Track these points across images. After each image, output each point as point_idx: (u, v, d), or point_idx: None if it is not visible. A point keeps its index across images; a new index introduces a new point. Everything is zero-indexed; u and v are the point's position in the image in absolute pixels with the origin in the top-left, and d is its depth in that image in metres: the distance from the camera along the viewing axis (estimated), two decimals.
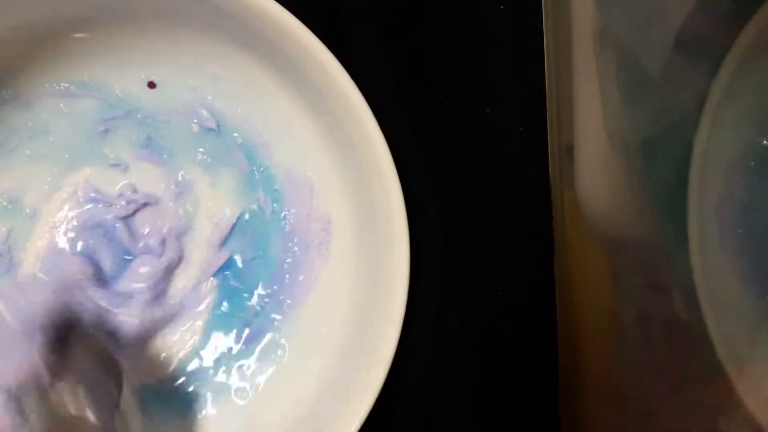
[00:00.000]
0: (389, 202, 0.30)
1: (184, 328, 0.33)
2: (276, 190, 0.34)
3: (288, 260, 0.34)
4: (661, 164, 0.30)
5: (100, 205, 0.33)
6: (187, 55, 0.32)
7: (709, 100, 0.26)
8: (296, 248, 0.34)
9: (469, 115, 0.34)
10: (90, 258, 0.32)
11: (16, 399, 0.23)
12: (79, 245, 0.33)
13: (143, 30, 0.31)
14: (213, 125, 0.33)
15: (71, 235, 0.33)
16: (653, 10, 0.29)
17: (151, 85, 0.33)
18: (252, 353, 0.33)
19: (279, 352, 0.33)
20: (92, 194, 0.33)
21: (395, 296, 0.30)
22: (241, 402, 0.33)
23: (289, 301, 0.34)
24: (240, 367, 0.33)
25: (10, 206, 0.32)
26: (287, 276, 0.34)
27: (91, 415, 0.25)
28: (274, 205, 0.34)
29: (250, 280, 0.34)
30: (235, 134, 0.34)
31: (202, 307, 0.34)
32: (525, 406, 0.35)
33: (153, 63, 0.33)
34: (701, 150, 0.27)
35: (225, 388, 0.33)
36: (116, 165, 0.33)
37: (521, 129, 0.34)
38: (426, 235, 0.33)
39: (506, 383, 0.35)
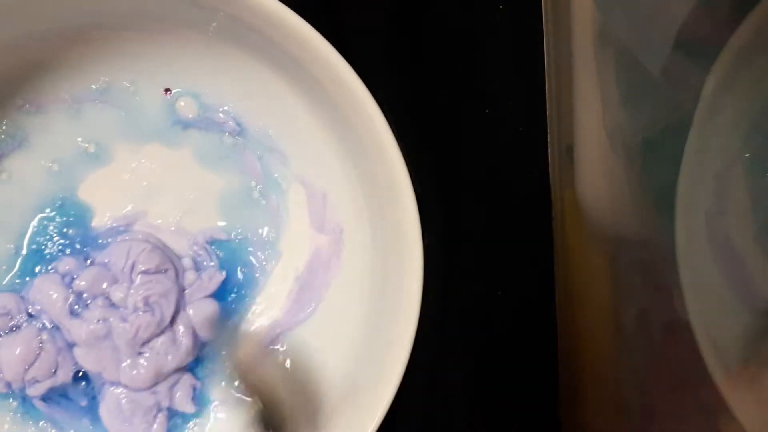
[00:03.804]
0: (404, 213, 0.29)
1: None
2: (290, 199, 0.34)
3: (299, 268, 0.34)
4: (661, 164, 0.30)
5: None
6: (205, 65, 0.32)
7: (701, 102, 0.26)
8: (308, 258, 0.34)
9: (469, 115, 0.34)
10: None
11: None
12: None
13: (161, 39, 0.31)
14: (234, 126, 0.33)
15: None
16: (653, 10, 0.29)
17: (167, 91, 0.33)
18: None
19: (287, 362, 0.33)
20: None
21: (409, 309, 0.29)
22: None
23: (300, 311, 0.34)
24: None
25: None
26: (298, 285, 0.34)
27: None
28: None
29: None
30: (252, 142, 0.34)
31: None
32: (525, 406, 0.35)
33: (170, 71, 0.33)
34: (692, 151, 0.27)
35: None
36: None
37: (521, 129, 0.34)
38: (426, 234, 0.33)
39: (506, 383, 0.35)
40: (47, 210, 0.33)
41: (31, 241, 0.33)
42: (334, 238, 0.33)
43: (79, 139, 0.33)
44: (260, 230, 0.34)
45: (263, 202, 0.34)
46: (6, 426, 0.32)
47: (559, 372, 0.35)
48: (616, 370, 0.33)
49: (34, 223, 0.33)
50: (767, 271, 0.25)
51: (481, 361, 0.35)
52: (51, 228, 0.33)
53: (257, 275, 0.34)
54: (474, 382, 0.35)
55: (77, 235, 0.33)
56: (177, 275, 0.32)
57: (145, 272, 0.31)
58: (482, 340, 0.34)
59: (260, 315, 0.34)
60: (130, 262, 0.31)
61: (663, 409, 0.31)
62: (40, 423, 0.32)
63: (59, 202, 0.33)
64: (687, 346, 0.29)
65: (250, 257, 0.34)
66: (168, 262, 0.32)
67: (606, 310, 0.33)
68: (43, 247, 0.33)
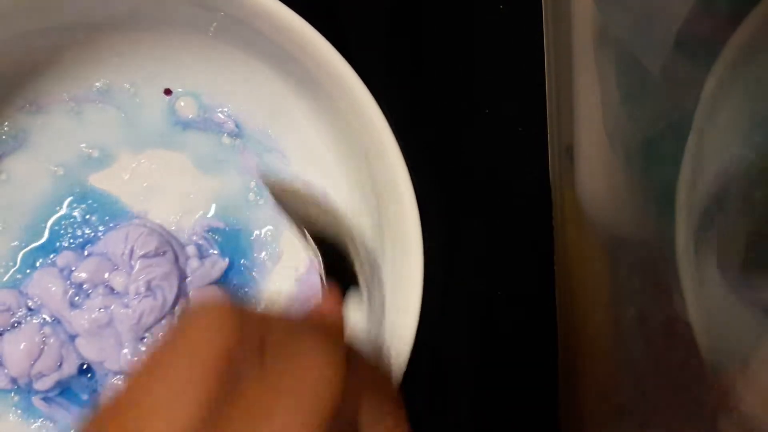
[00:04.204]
0: (404, 212, 0.29)
1: None
2: None
3: (299, 269, 0.34)
4: (661, 164, 0.30)
5: None
6: (205, 65, 0.32)
7: (701, 102, 0.26)
8: (308, 258, 0.34)
9: (469, 115, 0.34)
10: None
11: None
12: None
13: (162, 39, 0.32)
14: (233, 127, 0.33)
15: None
16: (653, 10, 0.29)
17: (167, 92, 0.33)
18: None
19: None
20: None
21: (408, 309, 0.29)
22: None
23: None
24: None
25: None
26: (298, 285, 0.34)
27: None
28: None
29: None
30: (252, 143, 0.34)
31: None
32: (525, 406, 0.35)
33: (170, 71, 0.33)
34: (692, 151, 0.27)
35: None
36: None
37: (521, 129, 0.34)
38: (426, 235, 0.33)
39: (506, 383, 0.35)
40: (68, 200, 0.33)
41: (51, 232, 0.33)
42: None
43: (83, 145, 0.33)
44: (260, 230, 0.34)
45: (263, 202, 0.34)
46: (10, 417, 0.32)
47: (559, 372, 0.35)
48: (616, 370, 0.33)
49: (56, 216, 0.33)
50: (767, 272, 0.25)
51: (481, 361, 0.35)
52: (73, 217, 0.33)
53: (257, 274, 0.34)
54: (474, 382, 0.35)
55: (99, 222, 0.33)
56: (176, 258, 0.32)
57: (144, 256, 0.31)
58: (482, 340, 0.34)
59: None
60: (129, 247, 0.31)
61: (663, 409, 0.31)
62: (40, 420, 0.32)
63: (77, 195, 0.33)
64: (687, 346, 0.29)
65: (251, 255, 0.34)
66: (166, 244, 0.32)
67: (606, 310, 0.33)
68: (59, 239, 0.33)
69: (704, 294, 0.27)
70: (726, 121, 0.26)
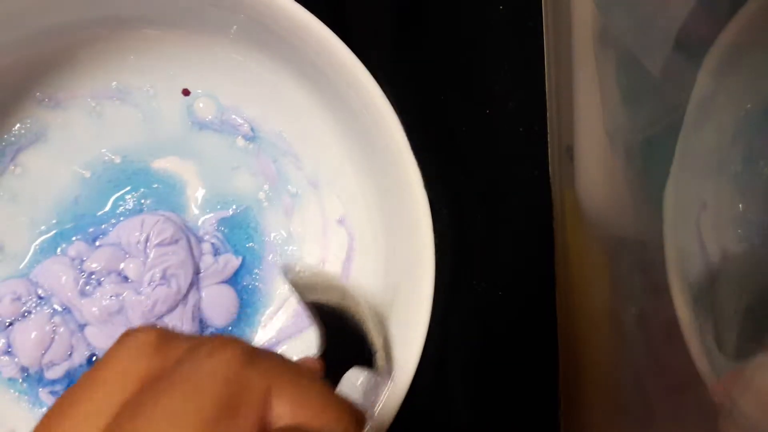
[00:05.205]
0: (417, 216, 0.29)
1: None
2: (302, 202, 0.34)
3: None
4: (661, 164, 0.30)
5: None
6: (225, 68, 0.32)
7: (691, 101, 0.26)
8: (319, 262, 0.34)
9: (469, 115, 0.34)
10: None
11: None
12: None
13: (183, 40, 0.32)
14: (248, 131, 0.33)
15: None
16: (653, 10, 0.29)
17: (186, 92, 0.33)
18: None
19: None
20: None
21: (419, 316, 0.29)
22: None
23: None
24: None
25: None
26: None
27: None
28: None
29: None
30: (266, 146, 0.34)
31: None
32: (525, 406, 0.35)
33: (190, 72, 0.33)
34: (683, 151, 0.27)
35: None
36: None
37: (521, 129, 0.34)
38: None
39: (507, 383, 0.35)
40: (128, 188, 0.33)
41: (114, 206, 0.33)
42: (347, 243, 0.33)
43: (104, 150, 0.33)
44: (273, 233, 0.34)
45: (276, 205, 0.34)
46: (20, 404, 0.32)
47: (559, 372, 0.35)
48: (616, 371, 0.33)
49: (112, 199, 0.33)
50: (759, 271, 0.25)
51: (481, 361, 0.35)
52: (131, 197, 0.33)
53: (267, 275, 0.34)
54: (474, 382, 0.35)
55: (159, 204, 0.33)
56: (190, 246, 0.32)
57: (159, 244, 0.31)
58: (482, 340, 0.35)
59: (269, 317, 0.34)
60: (144, 235, 0.32)
61: (662, 410, 0.31)
62: (45, 408, 0.32)
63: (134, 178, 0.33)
64: (686, 347, 0.29)
65: (262, 256, 0.34)
66: (180, 232, 0.32)
67: (606, 310, 0.33)
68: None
69: (697, 294, 0.27)
70: (718, 120, 0.26)
